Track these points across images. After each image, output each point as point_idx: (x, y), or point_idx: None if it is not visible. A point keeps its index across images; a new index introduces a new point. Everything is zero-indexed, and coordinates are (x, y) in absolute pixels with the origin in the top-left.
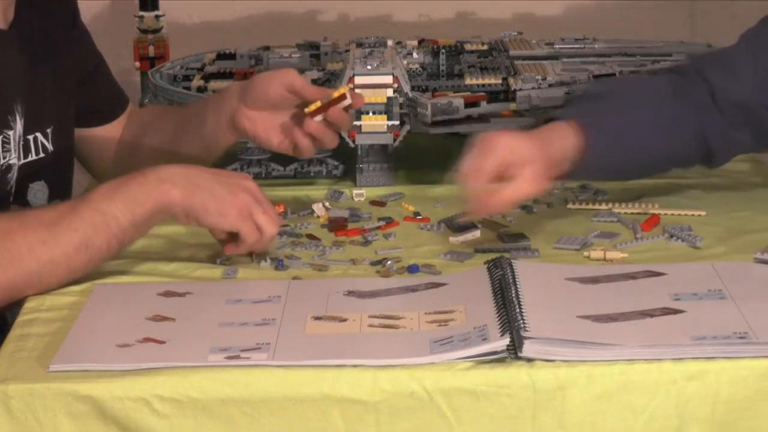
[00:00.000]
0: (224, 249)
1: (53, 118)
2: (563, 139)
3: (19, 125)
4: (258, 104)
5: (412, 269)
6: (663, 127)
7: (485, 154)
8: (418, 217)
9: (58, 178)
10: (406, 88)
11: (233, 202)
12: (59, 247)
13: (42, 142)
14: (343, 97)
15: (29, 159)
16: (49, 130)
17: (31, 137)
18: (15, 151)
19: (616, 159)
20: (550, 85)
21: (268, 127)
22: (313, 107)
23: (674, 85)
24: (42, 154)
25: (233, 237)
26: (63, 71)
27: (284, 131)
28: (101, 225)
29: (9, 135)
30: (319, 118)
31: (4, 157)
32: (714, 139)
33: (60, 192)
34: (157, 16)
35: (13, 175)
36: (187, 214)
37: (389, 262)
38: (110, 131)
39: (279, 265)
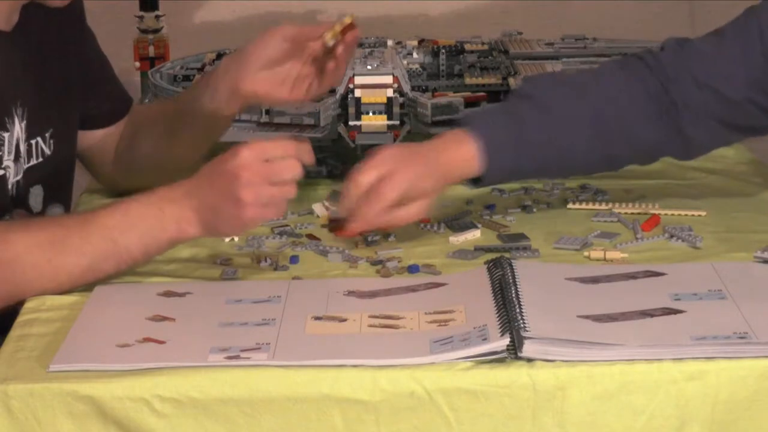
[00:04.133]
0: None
1: (54, 121)
2: (453, 151)
3: (17, 128)
4: (259, 65)
5: (412, 269)
6: (578, 129)
7: (382, 190)
8: None
9: (56, 181)
10: (406, 88)
11: (242, 213)
12: (64, 268)
13: (41, 147)
14: (351, 25)
15: (31, 163)
16: (47, 134)
17: (33, 142)
18: (8, 153)
19: (510, 165)
20: None
21: (275, 83)
22: (331, 34)
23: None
24: (40, 159)
25: None
26: (69, 74)
27: (293, 81)
28: (111, 253)
29: (4, 137)
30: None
31: None
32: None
33: (58, 195)
34: (157, 16)
35: (8, 177)
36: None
37: (389, 262)
38: (113, 133)
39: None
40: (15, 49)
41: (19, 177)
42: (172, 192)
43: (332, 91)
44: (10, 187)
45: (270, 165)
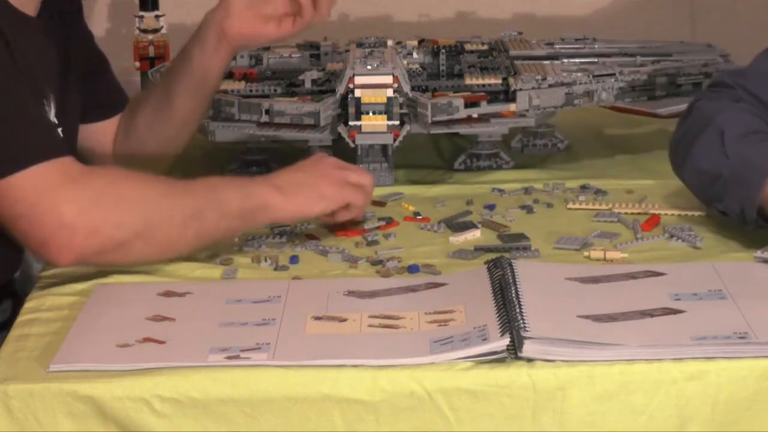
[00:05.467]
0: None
1: (68, 111)
2: None
3: (52, 115)
4: (241, 6)
5: (412, 269)
6: None
7: None
8: (418, 217)
9: None
10: (406, 88)
11: (325, 185)
12: (179, 207)
13: None
14: None
15: None
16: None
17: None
18: None
19: None
20: (550, 85)
21: (260, 22)
22: None
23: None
24: None
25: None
26: (74, 66)
27: (278, 19)
28: (215, 203)
29: None
30: None
31: None
32: None
33: None
34: (157, 16)
35: None
36: (292, 218)
37: (389, 262)
38: (109, 127)
39: (287, 262)
40: (42, 34)
41: None
42: (253, 178)
43: (332, 91)
44: None
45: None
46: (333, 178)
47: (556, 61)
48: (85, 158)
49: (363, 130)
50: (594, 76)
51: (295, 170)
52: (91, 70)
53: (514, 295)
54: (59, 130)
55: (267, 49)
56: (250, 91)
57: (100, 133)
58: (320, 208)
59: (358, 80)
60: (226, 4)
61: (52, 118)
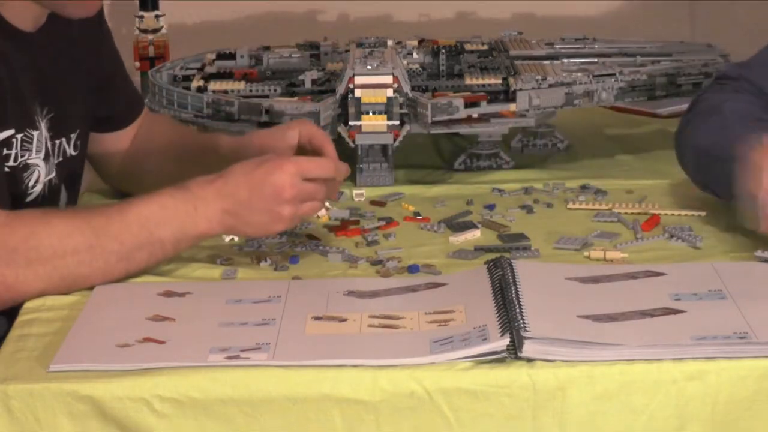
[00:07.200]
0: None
1: (77, 124)
2: None
3: (43, 128)
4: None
5: (412, 269)
6: None
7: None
8: (418, 217)
9: (75, 181)
10: (406, 88)
11: (275, 225)
12: (102, 255)
13: (65, 147)
14: None
15: (56, 162)
16: (74, 136)
17: (57, 142)
18: (37, 152)
19: None
20: (550, 85)
21: None
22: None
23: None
24: (60, 158)
25: None
26: (86, 75)
27: None
28: (146, 244)
29: (32, 135)
30: None
31: (22, 156)
32: None
33: (72, 194)
34: (157, 16)
35: (33, 174)
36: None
37: (389, 262)
38: (123, 136)
39: (287, 263)
40: (38, 50)
41: (52, 176)
42: (205, 191)
43: (332, 91)
44: (41, 186)
45: (311, 186)
46: (289, 195)
47: (556, 61)
48: (96, 164)
49: (363, 130)
50: (594, 76)
51: (248, 187)
52: (107, 80)
53: (514, 295)
54: (78, 143)
55: (267, 48)
56: (250, 91)
57: (112, 143)
58: (277, 231)
59: (358, 80)
60: (264, 151)
61: (44, 129)
